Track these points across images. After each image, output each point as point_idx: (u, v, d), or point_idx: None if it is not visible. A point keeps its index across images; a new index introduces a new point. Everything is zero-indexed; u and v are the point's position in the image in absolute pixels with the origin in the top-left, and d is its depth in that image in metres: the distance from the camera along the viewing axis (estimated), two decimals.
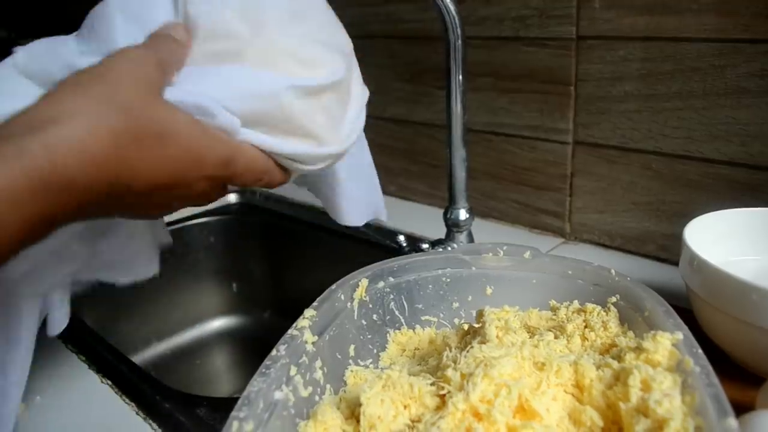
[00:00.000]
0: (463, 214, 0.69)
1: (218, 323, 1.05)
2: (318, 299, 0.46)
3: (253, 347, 1.04)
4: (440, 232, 0.74)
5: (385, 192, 1.02)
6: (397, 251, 0.72)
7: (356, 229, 0.89)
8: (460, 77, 0.64)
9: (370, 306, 0.51)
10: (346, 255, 0.89)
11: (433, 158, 0.93)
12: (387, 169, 1.01)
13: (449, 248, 0.69)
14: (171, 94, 0.38)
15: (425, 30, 0.89)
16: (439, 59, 0.88)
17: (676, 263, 0.72)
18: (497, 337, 0.42)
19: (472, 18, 0.80)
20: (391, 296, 0.52)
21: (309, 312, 0.44)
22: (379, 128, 0.99)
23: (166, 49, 0.40)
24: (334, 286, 0.48)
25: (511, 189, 0.85)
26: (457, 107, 0.65)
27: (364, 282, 0.50)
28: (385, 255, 0.78)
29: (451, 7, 0.61)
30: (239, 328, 1.06)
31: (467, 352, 0.40)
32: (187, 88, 0.39)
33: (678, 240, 0.72)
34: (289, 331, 0.42)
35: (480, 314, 0.45)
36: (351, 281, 0.49)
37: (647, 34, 0.67)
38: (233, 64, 0.41)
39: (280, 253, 1.02)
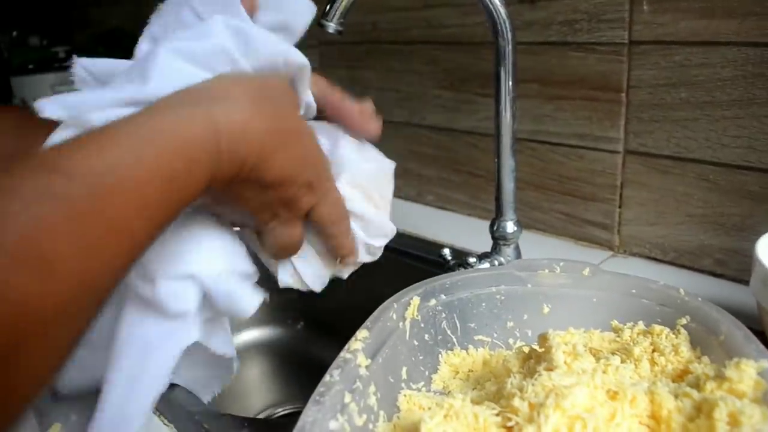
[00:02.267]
0: (510, 227, 0.66)
1: (250, 335, 1.03)
2: (369, 319, 0.44)
3: (286, 359, 1.01)
4: (483, 244, 0.71)
5: (422, 202, 1.01)
6: (442, 265, 0.70)
7: (396, 240, 0.87)
8: (511, 84, 0.61)
9: (422, 325, 0.48)
10: (385, 267, 0.86)
11: (474, 167, 0.91)
12: (424, 178, 0.98)
13: (496, 262, 0.66)
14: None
15: (467, 35, 0.86)
16: (482, 65, 0.86)
17: (733, 279, 0.69)
18: (565, 363, 0.39)
19: (517, 22, 0.77)
20: (443, 315, 0.49)
21: (361, 333, 0.42)
22: (418, 136, 0.97)
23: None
24: (385, 305, 0.46)
25: (556, 199, 0.82)
26: (506, 115, 0.62)
27: (416, 300, 0.47)
28: (429, 269, 0.75)
29: (502, 11, 0.59)
30: (271, 340, 1.03)
31: (535, 380, 0.37)
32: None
33: (737, 255, 0.69)
34: (342, 354, 0.40)
35: (544, 338, 0.42)
36: (402, 299, 0.47)
37: (706, 39, 0.64)
38: None
39: None
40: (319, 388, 0.36)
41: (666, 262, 0.74)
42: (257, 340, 1.03)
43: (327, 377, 0.37)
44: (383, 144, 0.51)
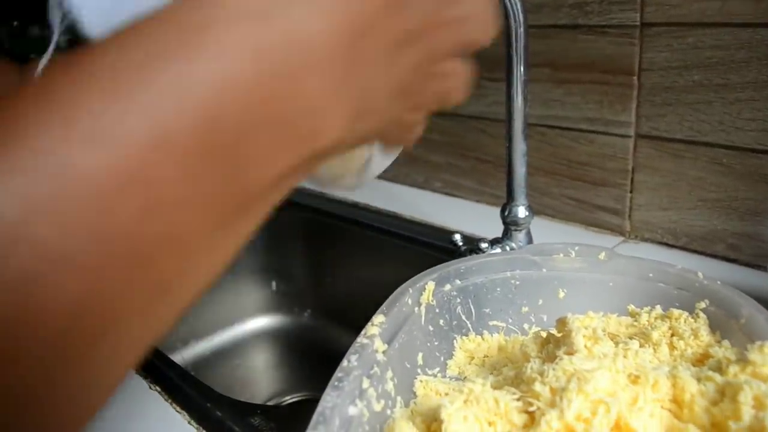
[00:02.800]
0: (522, 212, 0.65)
1: (257, 323, 1.03)
2: (385, 304, 0.43)
3: (293, 347, 1.01)
4: (491, 230, 0.71)
5: (430, 188, 1.00)
6: (451, 252, 0.69)
7: (404, 227, 0.86)
8: (522, 67, 0.60)
9: (437, 310, 0.47)
10: (393, 254, 0.85)
11: (482, 153, 0.90)
12: (431, 164, 0.97)
13: (508, 248, 0.66)
14: None
15: None
16: (490, 50, 0.84)
17: (747, 264, 0.69)
18: (586, 347, 0.39)
19: (527, 5, 0.76)
20: (458, 300, 0.49)
21: (378, 318, 0.41)
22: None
23: None
24: (400, 290, 0.45)
25: (566, 185, 0.81)
26: (518, 99, 0.61)
27: (431, 285, 0.47)
28: (438, 255, 0.75)
29: None
30: (279, 328, 1.03)
31: (556, 364, 0.36)
32: None
33: (750, 239, 0.68)
34: (359, 340, 0.39)
35: (563, 322, 0.42)
36: (417, 284, 0.46)
37: (720, 20, 0.63)
38: None
39: (322, 251, 0.99)
40: (338, 374, 0.36)
41: (678, 247, 0.73)
42: (264, 328, 1.02)
43: (345, 362, 0.37)
44: None
